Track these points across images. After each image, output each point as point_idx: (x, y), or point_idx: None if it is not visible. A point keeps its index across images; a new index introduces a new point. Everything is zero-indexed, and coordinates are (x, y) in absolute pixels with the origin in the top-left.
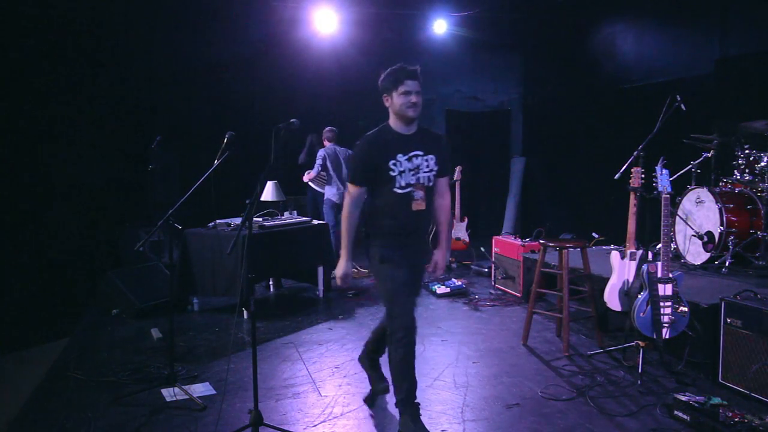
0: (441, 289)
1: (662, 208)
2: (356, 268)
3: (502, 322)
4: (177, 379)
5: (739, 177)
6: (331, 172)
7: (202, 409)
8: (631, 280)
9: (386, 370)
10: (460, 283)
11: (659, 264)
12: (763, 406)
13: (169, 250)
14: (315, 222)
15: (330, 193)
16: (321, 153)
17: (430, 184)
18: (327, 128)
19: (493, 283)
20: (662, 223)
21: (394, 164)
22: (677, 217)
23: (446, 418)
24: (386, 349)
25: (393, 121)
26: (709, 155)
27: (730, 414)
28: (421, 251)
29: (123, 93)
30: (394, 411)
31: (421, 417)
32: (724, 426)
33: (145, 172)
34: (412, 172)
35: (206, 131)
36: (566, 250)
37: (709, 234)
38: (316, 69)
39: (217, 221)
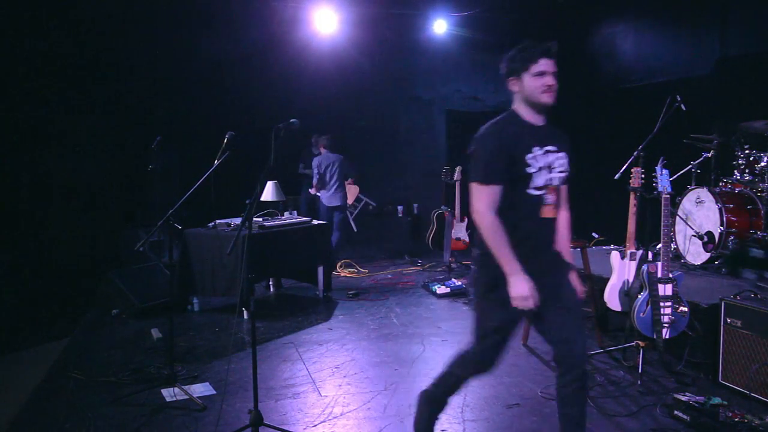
0: (441, 289)
1: (662, 208)
2: (356, 268)
3: None
4: (177, 379)
5: (739, 177)
6: (326, 178)
7: (202, 409)
8: (631, 280)
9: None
10: (460, 283)
11: (659, 264)
12: (763, 406)
13: (169, 250)
14: (315, 222)
15: (324, 197)
16: (315, 162)
17: (562, 186)
18: (324, 136)
19: None
20: (662, 223)
21: (532, 159)
22: (677, 217)
23: (446, 418)
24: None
25: (522, 109)
26: (709, 155)
27: (730, 414)
28: (556, 271)
29: (123, 93)
30: (394, 411)
31: None
32: (724, 426)
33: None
34: (546, 171)
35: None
36: None
37: (709, 234)
38: (316, 69)
39: (217, 221)
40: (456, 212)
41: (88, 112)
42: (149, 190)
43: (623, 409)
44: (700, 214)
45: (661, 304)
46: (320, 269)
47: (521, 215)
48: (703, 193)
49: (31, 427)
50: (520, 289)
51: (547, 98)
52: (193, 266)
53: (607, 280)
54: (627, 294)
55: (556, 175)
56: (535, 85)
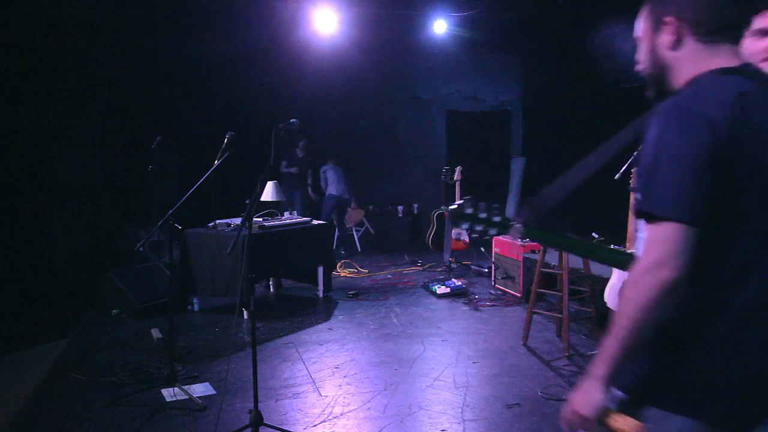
0: (441, 289)
1: None
2: (356, 268)
3: (502, 322)
4: (177, 379)
5: None
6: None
7: (202, 409)
8: None
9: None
10: (460, 283)
11: None
12: None
13: (169, 250)
14: (315, 222)
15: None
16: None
17: None
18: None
19: (493, 283)
20: None
21: None
22: None
23: (446, 418)
24: None
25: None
26: None
27: None
28: None
29: (123, 93)
30: (394, 411)
31: (421, 417)
32: None
33: (145, 172)
34: None
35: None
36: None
37: None
38: (316, 69)
39: (217, 221)
40: None
41: (88, 112)
42: (149, 190)
43: None
44: None
45: None
46: (320, 269)
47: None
48: None
49: (31, 427)
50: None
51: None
52: (193, 266)
53: (607, 280)
54: None
55: None
56: (755, 48)
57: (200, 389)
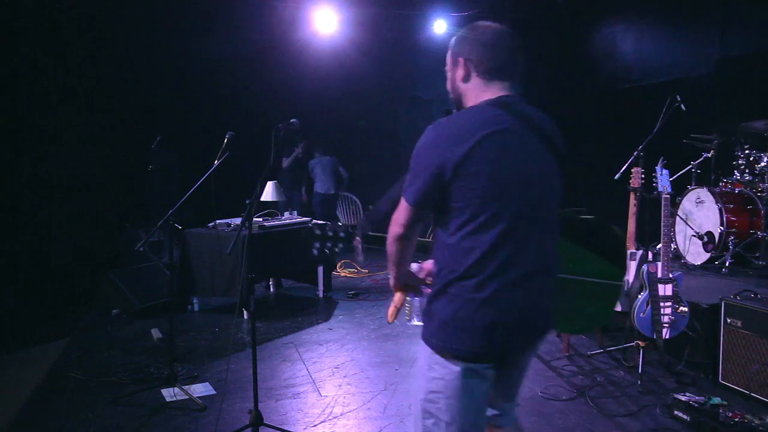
0: None
1: (662, 208)
2: (356, 268)
3: None
4: (177, 379)
5: (739, 177)
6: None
7: (202, 409)
8: (631, 280)
9: None
10: None
11: (659, 264)
12: (763, 406)
13: (169, 250)
14: (315, 222)
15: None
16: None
17: None
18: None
19: None
20: (662, 223)
21: None
22: (677, 217)
23: None
24: None
25: None
26: (709, 155)
27: (730, 414)
28: None
29: (123, 93)
30: (394, 411)
31: None
32: (724, 426)
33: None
34: None
35: (206, 131)
36: None
37: (709, 234)
38: (316, 69)
39: (217, 221)
40: None
41: (88, 112)
42: (149, 190)
43: (623, 409)
44: (700, 214)
45: (661, 304)
46: (320, 269)
47: None
48: (703, 193)
49: (31, 427)
50: None
51: None
52: (193, 266)
53: None
54: (627, 294)
55: None
56: None
57: (200, 389)
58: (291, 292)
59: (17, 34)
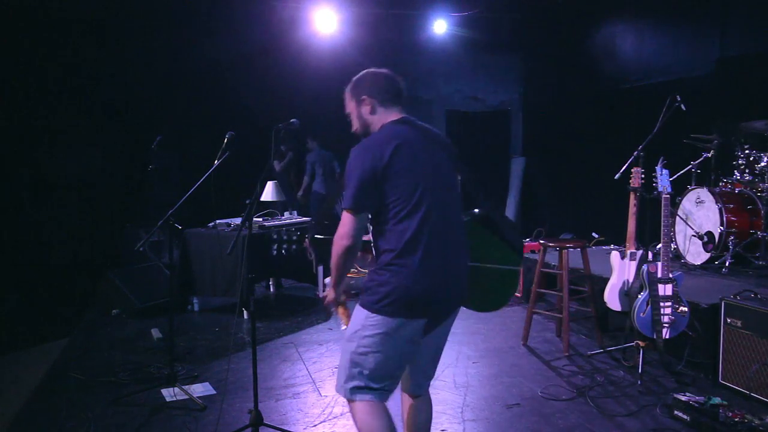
0: None
1: (662, 208)
2: (356, 268)
3: (502, 322)
4: (177, 379)
5: (739, 177)
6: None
7: (202, 409)
8: (631, 280)
9: None
10: None
11: (659, 264)
12: (763, 406)
13: (169, 250)
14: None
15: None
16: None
17: None
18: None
19: None
20: (662, 223)
21: None
22: (677, 217)
23: (446, 418)
24: None
25: None
26: (709, 155)
27: (730, 414)
28: None
29: (123, 93)
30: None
31: None
32: (724, 426)
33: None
34: None
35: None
36: (566, 250)
37: (709, 234)
38: (316, 69)
39: (217, 221)
40: None
41: (88, 112)
42: (149, 190)
43: (623, 409)
44: (700, 214)
45: (661, 304)
46: (320, 269)
47: None
48: (703, 193)
49: (31, 427)
50: None
51: None
52: (193, 266)
53: (607, 280)
54: (627, 294)
55: None
56: None
57: (200, 389)
58: (291, 292)
59: (18, 34)
